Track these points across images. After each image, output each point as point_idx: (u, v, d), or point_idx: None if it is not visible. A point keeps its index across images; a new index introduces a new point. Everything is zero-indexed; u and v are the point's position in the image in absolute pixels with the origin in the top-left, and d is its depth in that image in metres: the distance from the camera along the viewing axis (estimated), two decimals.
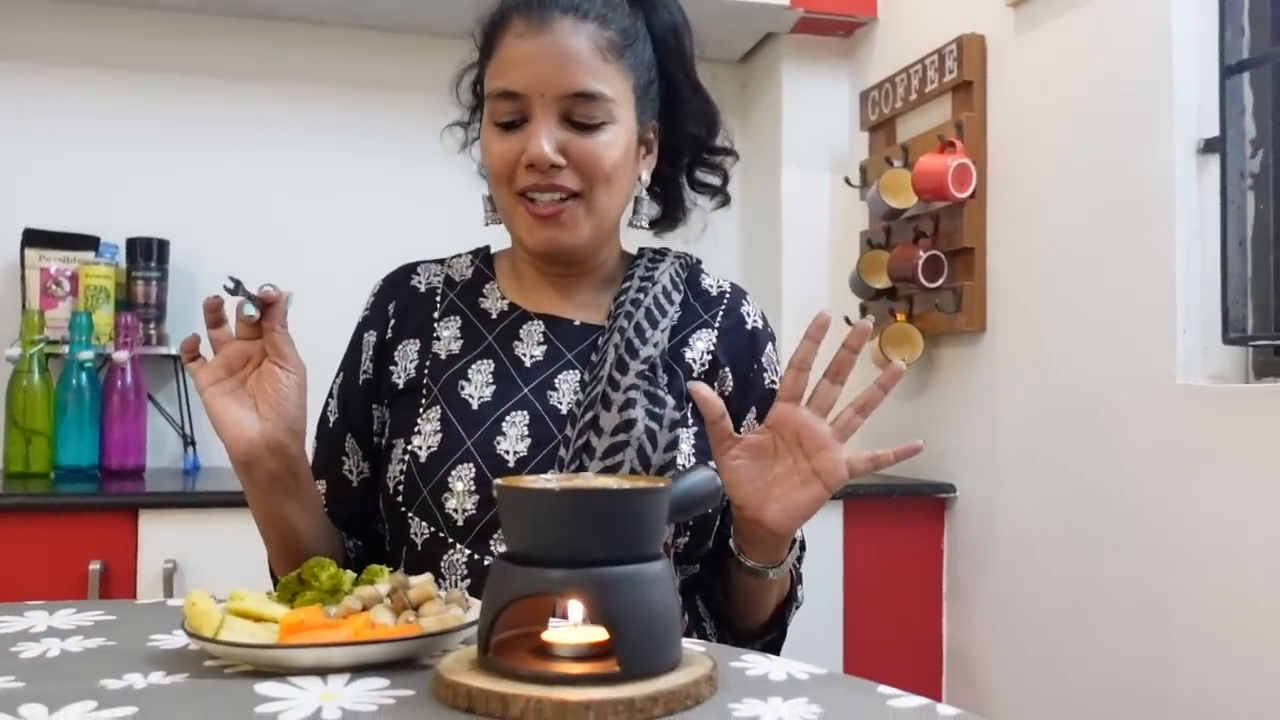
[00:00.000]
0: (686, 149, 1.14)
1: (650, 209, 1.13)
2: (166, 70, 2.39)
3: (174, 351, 2.23)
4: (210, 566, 1.78)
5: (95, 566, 1.71)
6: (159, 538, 1.76)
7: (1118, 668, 1.67)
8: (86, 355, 2.08)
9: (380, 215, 2.45)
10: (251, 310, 0.96)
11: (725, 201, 1.19)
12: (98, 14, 2.35)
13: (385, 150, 2.46)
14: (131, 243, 2.23)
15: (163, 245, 2.24)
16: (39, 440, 2.05)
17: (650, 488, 0.68)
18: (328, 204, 2.45)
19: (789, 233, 2.51)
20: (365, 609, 0.78)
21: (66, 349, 2.09)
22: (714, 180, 1.18)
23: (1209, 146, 1.56)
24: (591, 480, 0.73)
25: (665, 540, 1.02)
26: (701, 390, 0.93)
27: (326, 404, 1.15)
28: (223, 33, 2.41)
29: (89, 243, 2.22)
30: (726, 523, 1.10)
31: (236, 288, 0.96)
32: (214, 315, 0.96)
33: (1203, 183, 1.57)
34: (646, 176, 1.11)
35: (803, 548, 1.14)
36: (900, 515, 2.10)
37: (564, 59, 1.00)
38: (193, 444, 2.30)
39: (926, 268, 2.02)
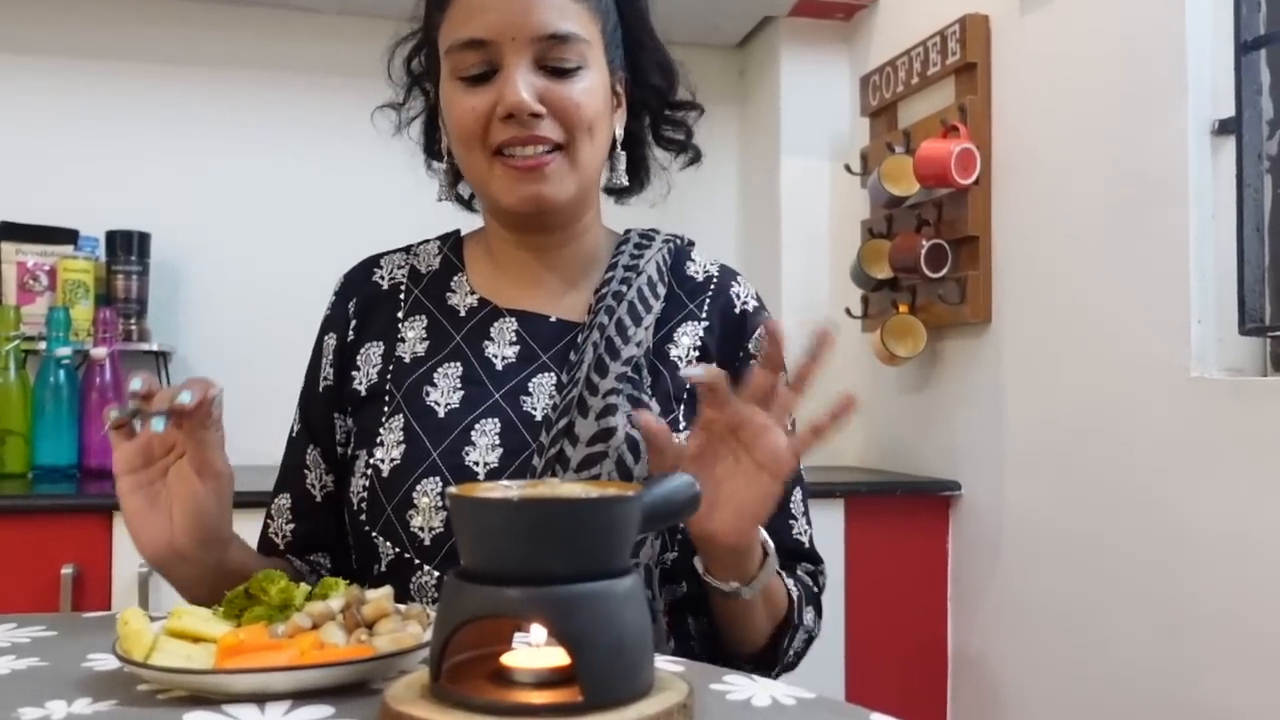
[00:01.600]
0: (650, 104, 1.07)
1: (621, 169, 1.04)
2: (146, 59, 2.33)
3: (156, 347, 2.18)
4: None
5: (67, 571, 1.66)
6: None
7: (1128, 670, 1.61)
8: (64, 352, 2.02)
9: (370, 205, 2.38)
10: (157, 426, 0.81)
11: (695, 158, 1.11)
12: (74, 2, 2.29)
13: (375, 139, 2.39)
14: (111, 236, 2.17)
15: (144, 238, 2.19)
16: (15, 440, 1.99)
17: (619, 497, 0.62)
18: (315, 194, 2.39)
19: (788, 222, 2.44)
20: (315, 627, 0.72)
21: (44, 345, 2.03)
22: (679, 135, 1.09)
23: (1224, 127, 1.49)
24: (556, 487, 0.67)
25: (650, 558, 0.94)
26: (648, 420, 0.82)
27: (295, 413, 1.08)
28: (205, 20, 2.35)
29: (68, 236, 2.16)
30: None
31: (134, 414, 0.82)
32: (120, 435, 0.83)
33: (1218, 165, 1.50)
34: (620, 131, 1.03)
35: (816, 560, 1.04)
36: (904, 514, 2.03)
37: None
38: None
39: (929, 257, 1.95)
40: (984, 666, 1.96)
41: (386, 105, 1.09)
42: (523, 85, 0.92)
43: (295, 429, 1.07)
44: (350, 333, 1.04)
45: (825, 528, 1.96)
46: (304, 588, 0.79)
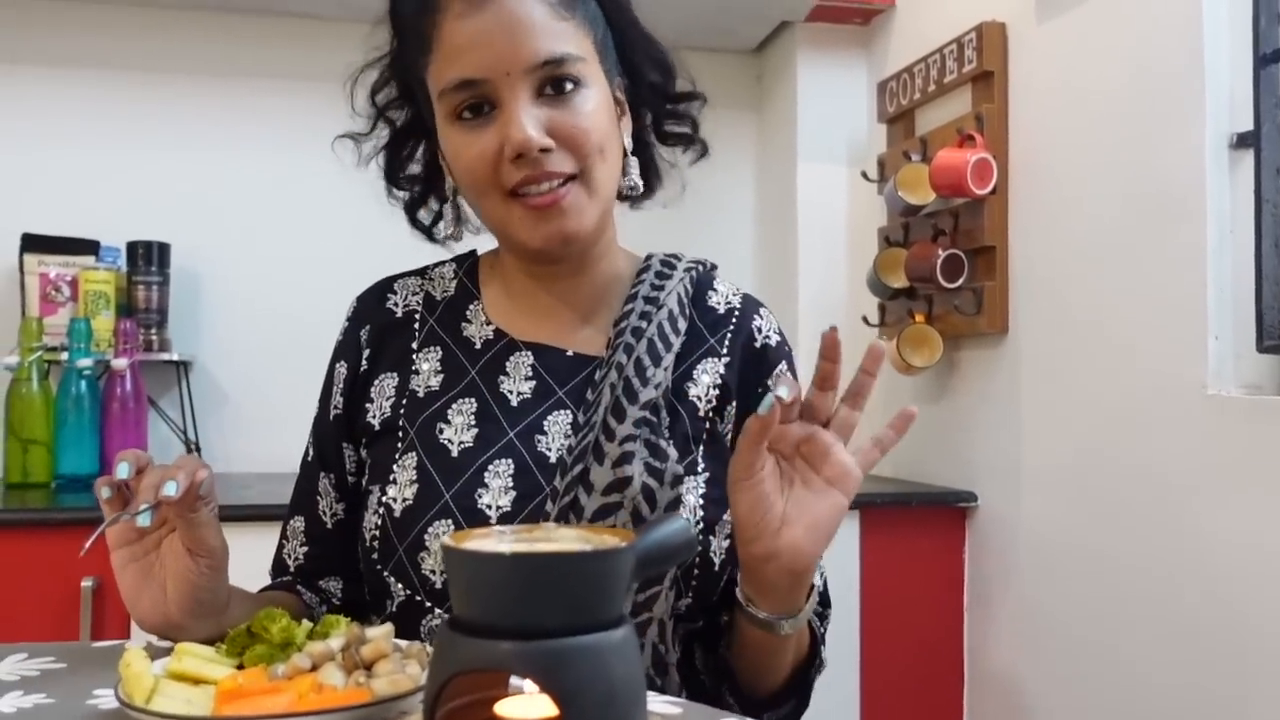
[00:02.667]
0: (650, 102, 1.02)
1: (634, 174, 1.00)
2: (166, 70, 2.35)
3: (176, 357, 2.20)
4: None
5: (87, 584, 1.68)
6: None
7: (1145, 686, 1.59)
8: (86, 363, 2.04)
9: (390, 215, 2.39)
10: (143, 520, 0.81)
11: (703, 152, 1.07)
12: (94, 13, 2.31)
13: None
14: (132, 246, 2.19)
15: (163, 248, 2.21)
16: (37, 449, 2.01)
17: (611, 550, 0.62)
18: (334, 203, 2.39)
19: (805, 227, 2.43)
20: (315, 668, 0.72)
21: (66, 356, 2.05)
22: (684, 129, 1.05)
23: (1242, 141, 1.47)
24: (551, 532, 0.67)
25: (664, 611, 0.91)
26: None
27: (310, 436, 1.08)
28: (223, 30, 2.37)
29: (89, 247, 2.18)
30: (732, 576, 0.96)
31: (112, 495, 0.83)
32: (111, 506, 0.84)
33: (1235, 180, 1.48)
34: (628, 140, 0.99)
35: (826, 604, 1.03)
36: (920, 524, 2.02)
37: (520, 28, 0.88)
38: (196, 449, 2.26)
39: (945, 267, 1.94)
40: (1000, 680, 1.95)
41: (346, 135, 1.05)
42: (527, 121, 0.88)
43: (309, 454, 1.06)
44: (363, 362, 1.03)
45: (840, 539, 1.94)
46: (305, 625, 0.80)
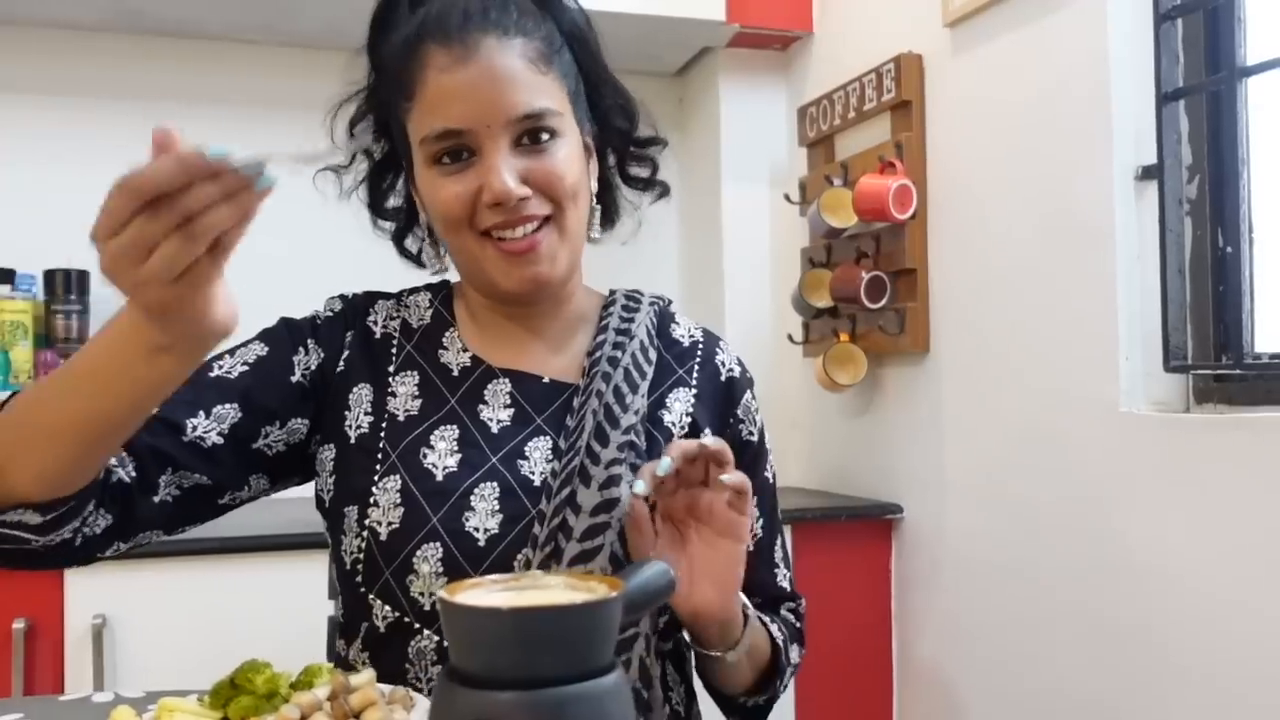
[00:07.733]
0: (615, 145, 1.08)
1: (596, 222, 1.05)
2: (82, 92, 2.29)
3: None
4: (140, 620, 1.71)
5: (19, 625, 1.64)
6: (86, 591, 1.69)
7: (1066, 687, 1.68)
8: (3, 396, 1.99)
9: (309, 235, 2.38)
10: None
11: (664, 192, 1.12)
12: (6, 34, 2.25)
13: (311, 170, 2.37)
14: (50, 274, 2.14)
15: (83, 276, 2.16)
16: None
17: (603, 600, 0.65)
18: (258, 228, 2.37)
19: (729, 248, 2.49)
20: (304, 718, 0.74)
21: None
22: (644, 172, 1.10)
23: (1147, 174, 1.57)
24: (539, 580, 0.70)
25: (648, 628, 0.96)
26: (636, 506, 0.89)
27: (221, 355, 0.98)
28: (141, 52, 2.32)
29: (4, 275, 2.12)
30: None
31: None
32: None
33: (1141, 209, 1.58)
34: (594, 184, 1.04)
35: (800, 642, 1.10)
36: (848, 536, 2.09)
37: (502, 83, 0.93)
38: None
39: (869, 289, 2.01)
40: (928, 679, 2.03)
41: (328, 168, 1.06)
42: (506, 172, 0.92)
43: (220, 372, 0.97)
44: (341, 363, 1.02)
45: None
46: (287, 674, 0.82)
